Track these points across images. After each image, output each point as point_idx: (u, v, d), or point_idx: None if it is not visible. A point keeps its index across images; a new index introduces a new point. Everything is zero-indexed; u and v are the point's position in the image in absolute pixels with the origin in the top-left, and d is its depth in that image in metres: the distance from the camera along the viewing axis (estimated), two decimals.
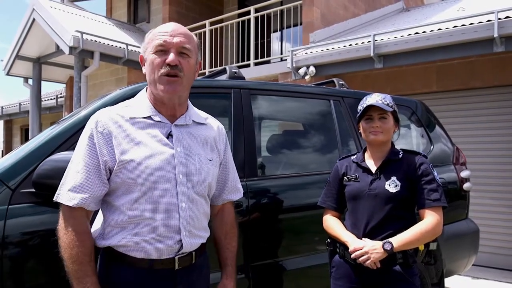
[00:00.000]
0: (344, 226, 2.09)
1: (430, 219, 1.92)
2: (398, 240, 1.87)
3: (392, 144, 2.12)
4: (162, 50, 1.42)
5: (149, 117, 1.46)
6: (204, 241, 1.55)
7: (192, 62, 1.49)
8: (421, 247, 1.99)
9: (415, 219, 2.01)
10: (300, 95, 2.95)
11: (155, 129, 1.45)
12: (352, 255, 1.91)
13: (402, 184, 1.97)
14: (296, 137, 3.30)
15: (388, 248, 1.85)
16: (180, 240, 1.42)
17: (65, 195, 1.37)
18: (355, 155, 2.19)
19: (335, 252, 2.11)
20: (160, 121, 1.47)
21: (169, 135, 1.46)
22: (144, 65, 1.50)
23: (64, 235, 1.37)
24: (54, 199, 1.40)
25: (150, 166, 1.39)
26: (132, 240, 1.38)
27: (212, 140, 1.59)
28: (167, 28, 1.46)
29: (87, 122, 1.46)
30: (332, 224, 2.11)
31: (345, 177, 2.13)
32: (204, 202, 1.53)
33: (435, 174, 2.00)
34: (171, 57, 1.41)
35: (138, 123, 1.44)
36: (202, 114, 1.64)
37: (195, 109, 1.63)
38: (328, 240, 2.16)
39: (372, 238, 1.96)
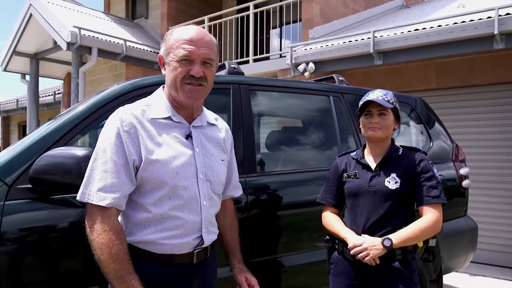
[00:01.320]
0: (344, 222, 2.09)
1: (429, 216, 1.91)
2: (398, 237, 1.87)
3: (392, 141, 2.11)
4: (186, 59, 1.44)
5: (169, 118, 1.49)
6: (216, 237, 1.62)
7: (214, 70, 1.54)
8: (420, 244, 1.99)
9: (415, 215, 2.01)
10: (300, 91, 2.94)
11: (176, 129, 1.49)
12: (352, 251, 1.90)
13: (401, 181, 1.96)
14: (295, 134, 3.28)
15: (388, 245, 1.85)
16: (200, 236, 1.49)
17: (95, 195, 1.36)
18: (355, 152, 2.18)
19: (333, 248, 2.11)
20: (179, 122, 1.51)
21: (188, 136, 1.51)
22: (164, 67, 1.52)
23: (100, 235, 1.35)
24: (80, 199, 1.38)
25: (175, 166, 1.43)
26: (156, 236, 1.42)
27: (222, 141, 1.66)
28: (191, 35, 1.45)
29: (109, 120, 1.44)
30: (331, 220, 2.11)
31: (345, 174, 2.12)
32: (218, 201, 1.63)
33: (435, 171, 2.00)
34: (196, 69, 1.44)
35: (159, 123, 1.47)
36: (213, 115, 1.70)
37: (206, 109, 1.68)
38: (327, 237, 2.15)
39: (372, 234, 1.95)
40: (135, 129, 1.41)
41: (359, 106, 2.07)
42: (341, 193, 2.14)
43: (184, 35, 1.45)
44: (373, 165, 2.05)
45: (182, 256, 1.46)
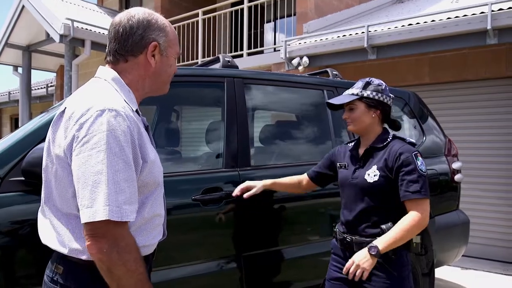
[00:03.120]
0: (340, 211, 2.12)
1: (411, 215, 1.86)
2: (383, 242, 1.83)
3: (384, 130, 2.07)
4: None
5: (136, 110, 1.32)
6: None
7: None
8: (416, 239, 1.96)
9: (401, 209, 1.94)
10: (294, 85, 2.94)
11: (141, 122, 1.32)
12: (349, 276, 1.87)
13: (380, 174, 1.92)
14: (289, 128, 3.29)
15: (374, 253, 1.82)
16: (163, 230, 1.42)
17: (123, 211, 1.11)
18: (354, 142, 2.19)
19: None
20: (139, 115, 1.35)
21: (146, 128, 1.37)
22: (153, 56, 1.31)
23: (131, 252, 1.14)
24: (109, 218, 1.09)
25: (159, 162, 1.34)
26: (145, 239, 1.28)
27: None
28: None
29: (105, 116, 1.14)
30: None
31: (338, 164, 2.16)
32: None
33: (418, 163, 1.90)
34: (176, 68, 1.42)
35: (137, 117, 1.29)
36: None
37: None
38: (334, 224, 2.20)
39: (355, 227, 1.98)
40: (137, 126, 1.22)
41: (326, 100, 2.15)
42: (326, 175, 2.25)
43: (174, 30, 1.41)
44: (360, 156, 2.07)
45: (154, 250, 1.39)
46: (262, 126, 3.11)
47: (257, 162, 2.71)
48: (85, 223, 1.10)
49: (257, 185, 2.27)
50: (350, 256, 1.96)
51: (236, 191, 2.25)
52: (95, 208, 1.09)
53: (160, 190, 1.35)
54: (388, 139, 2.02)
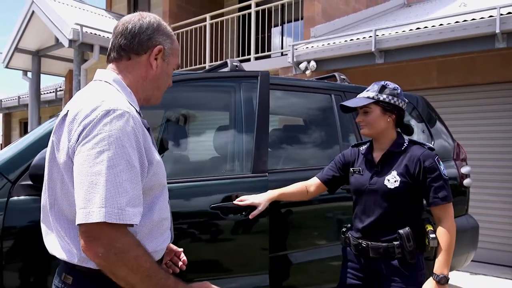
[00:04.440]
0: (353, 217, 2.10)
1: (445, 228, 1.90)
2: (443, 266, 1.86)
3: (399, 135, 2.05)
4: None
5: (138, 112, 1.31)
6: None
7: None
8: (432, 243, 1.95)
9: (419, 214, 1.99)
10: (301, 90, 2.94)
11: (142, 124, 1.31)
12: None
13: (401, 179, 1.91)
14: (296, 132, 3.29)
15: (444, 282, 1.84)
16: (170, 234, 1.42)
17: (125, 213, 1.07)
18: (365, 146, 2.15)
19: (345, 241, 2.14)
20: (142, 116, 1.33)
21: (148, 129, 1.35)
22: (156, 61, 1.31)
23: (128, 253, 1.09)
24: (105, 220, 1.05)
25: (163, 164, 1.32)
26: (155, 244, 1.26)
27: None
28: None
29: (109, 116, 1.11)
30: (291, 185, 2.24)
31: (351, 168, 2.12)
32: None
33: (442, 168, 1.93)
34: (171, 81, 1.43)
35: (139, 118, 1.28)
36: None
37: None
38: (343, 229, 2.17)
39: (373, 234, 1.96)
40: (141, 126, 1.21)
41: (339, 104, 2.14)
42: (338, 178, 2.19)
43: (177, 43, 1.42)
44: (376, 161, 2.03)
45: (161, 259, 1.37)
46: (269, 130, 3.10)
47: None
48: (79, 224, 1.07)
49: (262, 202, 2.13)
50: (365, 262, 1.97)
51: (237, 203, 2.15)
52: (88, 210, 1.05)
53: (165, 193, 1.34)
54: (405, 144, 2.00)
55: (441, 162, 1.95)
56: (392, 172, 1.94)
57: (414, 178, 1.91)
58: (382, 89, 1.99)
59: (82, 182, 1.07)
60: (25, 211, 1.78)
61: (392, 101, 1.97)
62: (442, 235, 1.89)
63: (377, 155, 2.04)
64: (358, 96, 2.05)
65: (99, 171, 1.07)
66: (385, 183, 1.93)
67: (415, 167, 1.91)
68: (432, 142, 3.38)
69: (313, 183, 2.25)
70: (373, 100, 1.97)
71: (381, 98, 1.97)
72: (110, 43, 1.34)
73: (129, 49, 1.29)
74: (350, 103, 2.04)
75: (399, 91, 2.01)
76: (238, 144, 2.55)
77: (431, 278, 1.87)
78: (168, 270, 1.53)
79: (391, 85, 2.02)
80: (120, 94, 1.24)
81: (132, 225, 1.11)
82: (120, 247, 1.08)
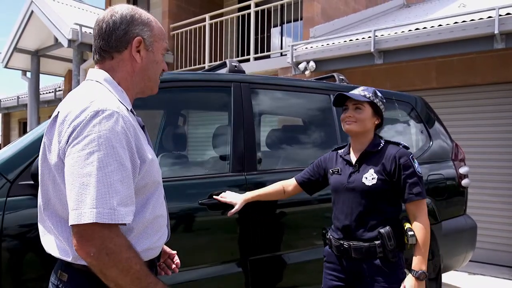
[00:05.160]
0: (332, 218, 2.13)
1: (419, 224, 1.94)
2: (420, 262, 1.90)
3: (376, 136, 2.12)
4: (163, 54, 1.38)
5: (131, 110, 1.31)
6: None
7: None
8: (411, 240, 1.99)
9: (398, 212, 2.03)
10: (300, 90, 2.95)
11: (136, 122, 1.30)
12: None
13: (378, 177, 1.96)
14: (295, 132, 3.29)
15: (423, 278, 1.88)
16: (168, 231, 1.43)
17: (116, 213, 1.07)
18: (344, 148, 2.21)
19: (325, 242, 2.16)
20: (134, 114, 1.33)
21: (143, 127, 1.38)
22: (138, 52, 1.29)
23: (122, 252, 1.10)
24: (96, 220, 1.05)
25: (157, 162, 1.31)
26: (149, 242, 1.26)
27: None
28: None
29: (98, 117, 1.12)
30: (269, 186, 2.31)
31: (330, 170, 2.16)
32: None
33: (416, 165, 1.99)
34: (165, 65, 1.40)
35: (132, 117, 1.27)
36: None
37: None
38: (323, 231, 2.19)
39: (353, 232, 1.99)
40: (133, 126, 1.20)
41: (333, 100, 2.12)
42: (314, 181, 2.25)
43: (160, 26, 1.36)
44: (354, 161, 2.08)
45: (158, 256, 1.38)
46: (268, 131, 3.11)
47: (264, 167, 2.72)
48: (72, 225, 1.07)
49: (238, 202, 2.22)
50: (347, 263, 2.00)
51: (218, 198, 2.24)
52: (80, 211, 1.05)
53: (160, 191, 1.33)
54: (381, 144, 2.07)
55: (415, 160, 2.02)
56: (370, 170, 1.99)
57: (390, 175, 1.97)
58: (375, 94, 2.07)
59: (73, 183, 1.08)
60: (24, 211, 1.78)
61: (381, 107, 2.08)
62: (418, 231, 1.93)
63: (355, 155, 2.09)
64: (351, 93, 2.07)
65: (89, 172, 1.07)
66: (363, 181, 1.98)
67: (391, 164, 1.97)
68: (431, 143, 3.39)
69: (290, 184, 2.33)
70: (369, 100, 2.03)
71: (375, 101, 2.05)
72: (93, 46, 1.34)
73: (109, 48, 1.28)
74: (350, 95, 2.06)
75: (384, 101, 2.12)
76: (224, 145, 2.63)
77: (410, 275, 1.91)
78: (160, 272, 1.54)
79: (379, 93, 2.12)
80: (110, 94, 1.23)
81: (124, 224, 1.12)
82: (112, 248, 1.08)
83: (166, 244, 1.46)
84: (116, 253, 1.08)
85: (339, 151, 2.20)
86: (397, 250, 1.95)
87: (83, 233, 1.07)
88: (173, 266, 1.60)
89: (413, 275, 1.89)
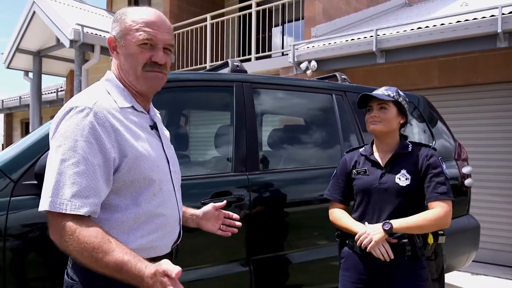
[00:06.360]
0: (357, 218, 2.09)
1: (437, 210, 1.92)
2: (398, 222, 1.88)
3: (401, 137, 2.11)
4: (147, 44, 1.30)
5: (132, 107, 1.33)
6: None
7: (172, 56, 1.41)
8: (430, 240, 1.99)
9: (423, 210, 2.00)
10: (302, 89, 2.94)
11: (141, 119, 1.35)
12: (358, 242, 1.91)
13: (412, 177, 1.97)
14: (297, 132, 3.29)
15: (387, 228, 1.86)
16: (178, 231, 1.43)
17: (69, 203, 1.13)
18: (363, 148, 2.18)
19: (344, 244, 2.12)
20: (142, 112, 1.37)
21: (152, 127, 1.39)
22: (115, 51, 1.35)
23: (81, 232, 1.12)
24: (50, 209, 1.13)
25: (155, 159, 1.32)
26: (145, 240, 1.27)
27: (168, 133, 1.58)
28: (152, 17, 1.32)
29: (71, 114, 1.20)
30: (340, 216, 2.10)
31: (354, 171, 2.12)
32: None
33: (444, 167, 2.00)
34: (160, 55, 1.32)
35: (128, 113, 1.31)
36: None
37: None
38: (338, 232, 2.16)
39: None
40: (110, 122, 1.23)
41: (357, 101, 2.10)
42: (349, 189, 2.15)
43: (144, 16, 1.31)
44: (382, 162, 2.05)
45: (170, 255, 1.38)
46: (270, 130, 3.11)
47: (266, 166, 2.72)
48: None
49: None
50: (372, 262, 1.96)
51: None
52: (42, 199, 1.17)
53: (158, 188, 1.32)
54: (410, 145, 2.08)
55: (443, 162, 2.03)
56: (402, 171, 2.00)
57: (420, 174, 1.98)
58: (398, 93, 2.07)
59: (46, 173, 1.20)
60: (27, 211, 1.79)
61: (405, 106, 2.08)
62: (428, 211, 1.93)
63: (382, 156, 2.07)
64: (375, 93, 2.06)
65: (53, 164, 1.18)
66: (396, 182, 1.98)
67: (422, 163, 1.99)
68: (433, 142, 3.38)
69: (339, 207, 2.17)
70: (394, 99, 2.03)
71: (399, 100, 2.04)
72: None
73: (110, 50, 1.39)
74: (374, 95, 2.04)
75: (407, 100, 2.11)
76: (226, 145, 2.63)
77: (379, 224, 1.90)
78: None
79: (402, 92, 2.11)
80: (101, 92, 1.31)
81: (88, 216, 1.17)
82: (69, 236, 1.13)
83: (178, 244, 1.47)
84: (70, 243, 1.13)
85: (360, 151, 2.17)
86: (423, 248, 1.96)
87: (48, 219, 1.18)
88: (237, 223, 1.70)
89: (382, 225, 1.88)
